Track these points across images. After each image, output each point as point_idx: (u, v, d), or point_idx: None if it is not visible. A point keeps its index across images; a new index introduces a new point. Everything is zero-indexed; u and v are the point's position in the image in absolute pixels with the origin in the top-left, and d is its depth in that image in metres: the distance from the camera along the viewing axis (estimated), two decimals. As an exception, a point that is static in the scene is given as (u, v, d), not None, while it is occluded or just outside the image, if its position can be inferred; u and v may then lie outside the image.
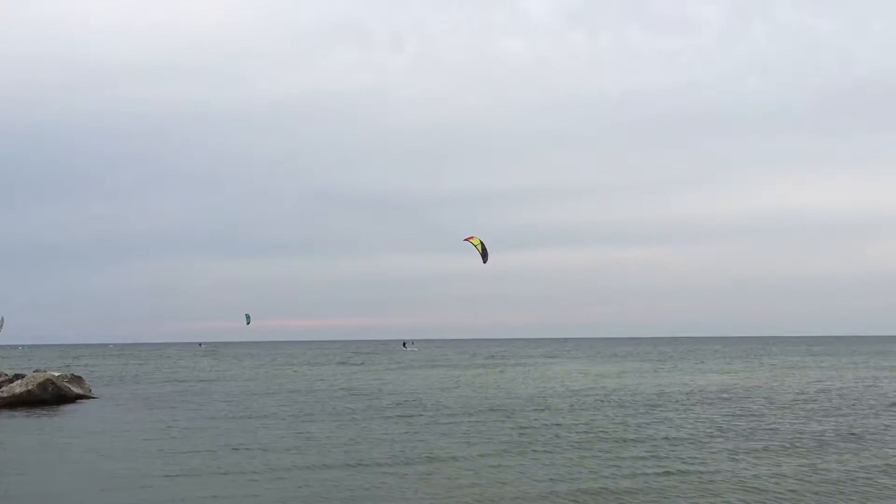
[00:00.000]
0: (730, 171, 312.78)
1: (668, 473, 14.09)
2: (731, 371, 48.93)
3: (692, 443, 17.64)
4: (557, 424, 21.08)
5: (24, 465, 15.85)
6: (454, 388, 35.53)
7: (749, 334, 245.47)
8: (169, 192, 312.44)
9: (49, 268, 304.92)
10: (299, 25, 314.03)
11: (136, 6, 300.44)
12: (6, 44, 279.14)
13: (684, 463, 15.10)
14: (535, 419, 22.40)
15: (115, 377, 47.58)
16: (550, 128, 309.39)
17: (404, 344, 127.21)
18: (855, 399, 28.12)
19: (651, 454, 16.11)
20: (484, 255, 34.26)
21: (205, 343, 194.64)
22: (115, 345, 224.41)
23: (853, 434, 18.89)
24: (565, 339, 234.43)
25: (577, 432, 19.47)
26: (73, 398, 29.38)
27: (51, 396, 28.48)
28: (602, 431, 19.60)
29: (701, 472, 14.13)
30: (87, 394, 31.18)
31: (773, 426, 20.43)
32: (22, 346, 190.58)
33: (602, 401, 28.03)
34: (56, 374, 31.34)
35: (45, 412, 25.94)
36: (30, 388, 28.25)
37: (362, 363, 67.28)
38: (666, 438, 18.29)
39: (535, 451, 16.71)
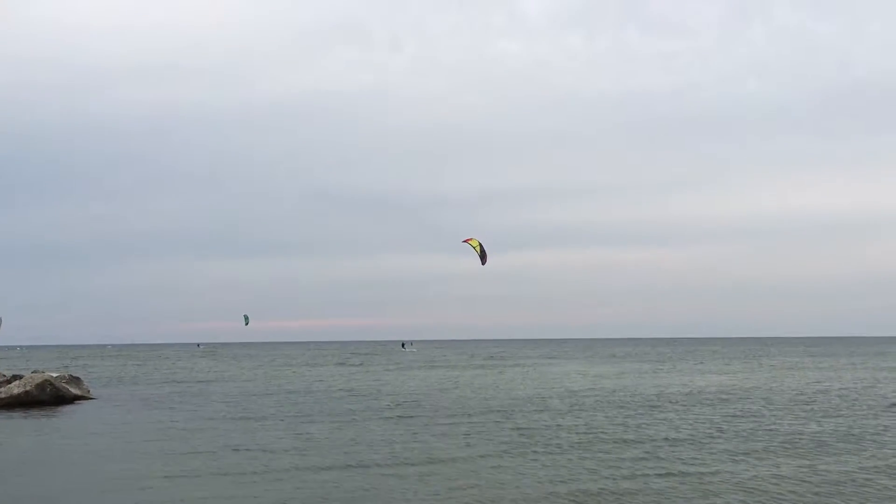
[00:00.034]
0: (729, 173, 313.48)
1: (667, 474, 14.07)
2: (730, 372, 48.93)
3: (691, 444, 17.63)
4: (557, 425, 21.07)
5: (23, 467, 15.81)
6: (453, 388, 35.52)
7: (748, 335, 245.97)
8: (169, 192, 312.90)
9: (49, 268, 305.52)
10: (299, 25, 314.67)
11: (136, 6, 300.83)
12: (6, 44, 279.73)
13: (684, 464, 15.08)
14: (535, 420, 22.38)
15: (114, 378, 47.52)
16: (550, 128, 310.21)
17: (403, 345, 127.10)
18: (854, 400, 28.12)
19: (650, 455, 16.10)
20: (482, 256, 34.25)
21: (203, 344, 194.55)
22: (113, 346, 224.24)
23: (852, 435, 18.89)
24: (564, 340, 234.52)
25: (576, 433, 19.45)
26: (71, 399, 29.33)
27: (49, 397, 28.43)
28: (601, 432, 19.59)
29: (700, 473, 14.12)
30: (86, 395, 31.13)
31: (772, 427, 20.43)
32: (20, 346, 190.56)
33: (601, 402, 28.02)
34: (54, 374, 31.27)
35: (43, 413, 25.90)
36: (28, 389, 28.21)
37: (361, 364, 67.24)
38: (665, 439, 18.28)
39: (534, 451, 16.69)
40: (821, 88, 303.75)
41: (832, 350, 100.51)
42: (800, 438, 18.32)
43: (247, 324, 76.76)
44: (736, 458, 15.65)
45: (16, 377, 30.32)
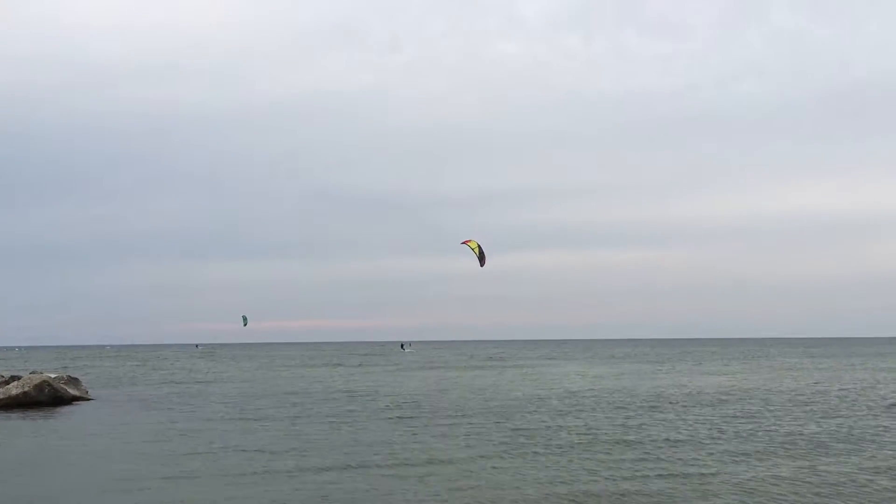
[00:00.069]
0: (729, 173, 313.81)
1: (666, 475, 14.05)
2: (729, 373, 48.93)
3: (691, 444, 17.62)
4: (556, 426, 21.04)
5: (21, 468, 15.78)
6: (452, 389, 35.49)
7: (747, 336, 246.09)
8: (169, 192, 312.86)
9: (49, 268, 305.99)
10: (299, 25, 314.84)
11: (136, 6, 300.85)
12: (6, 44, 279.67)
13: (683, 465, 15.07)
14: (534, 421, 22.36)
15: (112, 379, 47.47)
16: (550, 128, 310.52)
17: (402, 346, 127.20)
18: (853, 401, 28.11)
19: (650, 456, 16.08)
20: (481, 258, 34.24)
21: (202, 345, 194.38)
22: (112, 346, 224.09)
23: (852, 436, 18.88)
24: (564, 341, 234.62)
25: (575, 434, 19.44)
26: (69, 400, 29.29)
27: (47, 398, 28.38)
28: (601, 433, 19.57)
29: (700, 474, 14.10)
30: (84, 395, 31.10)
31: (771, 428, 20.41)
32: (19, 347, 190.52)
33: (601, 402, 28.00)
34: (52, 375, 31.24)
35: (41, 414, 25.85)
36: (26, 389, 28.16)
37: (360, 365, 67.21)
38: (665, 440, 18.26)
39: (533, 452, 16.67)
40: (820, 88, 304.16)
41: (831, 351, 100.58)
42: (799, 439, 18.31)
43: (245, 325, 76.76)
44: (735, 459, 15.63)
45: (14, 378, 30.27)
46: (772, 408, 25.63)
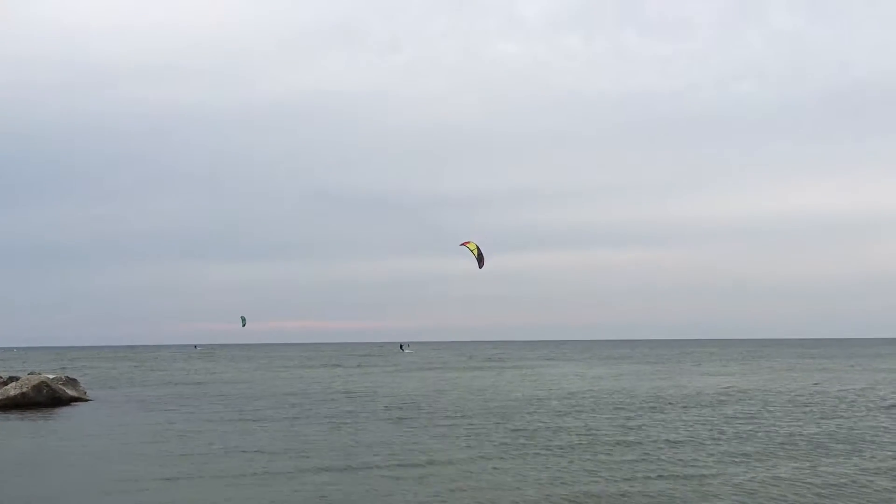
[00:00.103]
0: (729, 173, 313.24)
1: (666, 476, 14.03)
2: (728, 373, 48.93)
3: (690, 445, 17.60)
4: (555, 427, 21.02)
5: (19, 469, 15.75)
6: (452, 390, 35.47)
7: (747, 336, 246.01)
8: (169, 192, 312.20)
9: (49, 268, 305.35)
10: (299, 25, 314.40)
11: (136, 6, 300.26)
12: (6, 44, 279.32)
13: (683, 465, 15.05)
14: (533, 421, 22.34)
15: (111, 379, 47.43)
16: (550, 128, 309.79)
17: (401, 346, 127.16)
18: (852, 401, 28.11)
19: (649, 456, 16.06)
20: (480, 260, 34.27)
21: (201, 345, 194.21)
22: (110, 347, 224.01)
23: (851, 437, 18.87)
24: (563, 341, 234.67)
25: (575, 435, 19.42)
26: (67, 401, 29.24)
27: (45, 399, 28.34)
28: (600, 434, 19.55)
29: (699, 475, 14.08)
30: (82, 396, 31.05)
31: (770, 428, 20.40)
32: (17, 348, 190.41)
33: (600, 403, 27.98)
34: (51, 376, 31.19)
35: (39, 415, 25.81)
36: (24, 390, 28.12)
37: (359, 366, 67.18)
38: (664, 441, 18.25)
39: (533, 453, 16.65)
40: (820, 89, 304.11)
41: (830, 352, 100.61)
42: (799, 440, 18.30)
43: (244, 325, 76.79)
44: (735, 460, 15.62)
45: (12, 378, 30.23)
46: (771, 408, 25.62)
